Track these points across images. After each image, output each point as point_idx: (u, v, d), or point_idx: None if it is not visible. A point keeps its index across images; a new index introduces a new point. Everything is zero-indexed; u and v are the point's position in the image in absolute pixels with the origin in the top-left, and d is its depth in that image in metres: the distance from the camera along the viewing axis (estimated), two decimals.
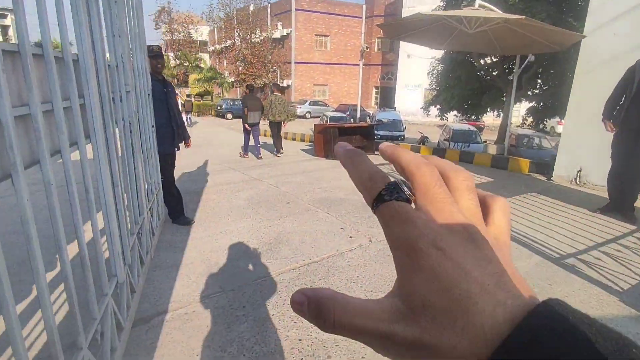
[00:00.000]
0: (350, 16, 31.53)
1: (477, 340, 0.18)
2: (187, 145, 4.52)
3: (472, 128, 12.69)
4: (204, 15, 25.06)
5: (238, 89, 30.41)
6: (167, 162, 4.08)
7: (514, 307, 0.18)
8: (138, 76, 3.22)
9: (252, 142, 8.67)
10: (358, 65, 12.02)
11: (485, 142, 12.68)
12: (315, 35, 29.93)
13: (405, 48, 26.21)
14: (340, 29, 31.22)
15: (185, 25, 35.79)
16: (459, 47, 8.91)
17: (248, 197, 5.43)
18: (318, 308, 0.21)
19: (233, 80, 27.56)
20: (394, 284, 0.22)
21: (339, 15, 30.89)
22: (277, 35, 27.93)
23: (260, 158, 8.55)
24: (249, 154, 8.82)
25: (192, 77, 31.07)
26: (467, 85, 13.24)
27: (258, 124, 8.52)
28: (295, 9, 28.36)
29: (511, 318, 0.18)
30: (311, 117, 26.69)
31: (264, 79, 25.41)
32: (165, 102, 3.96)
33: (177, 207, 4.19)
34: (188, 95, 31.76)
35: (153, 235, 3.53)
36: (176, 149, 4.27)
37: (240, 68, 24.91)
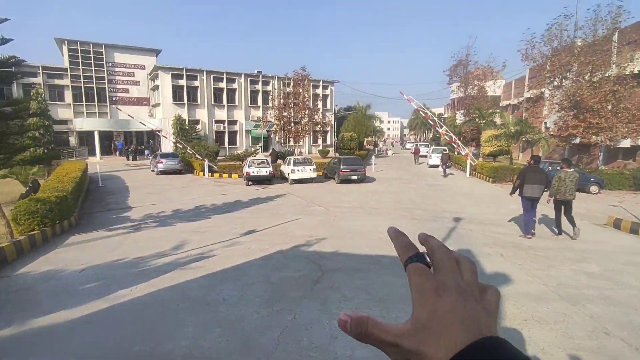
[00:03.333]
0: None
1: (449, 352, 0.31)
2: None
3: None
4: (522, 51, 19.10)
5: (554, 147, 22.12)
6: None
7: (473, 337, 0.31)
8: None
9: None
10: None
11: None
12: None
13: None
14: None
15: (482, 78, 31.21)
16: None
17: None
18: (357, 324, 0.35)
19: (551, 134, 19.65)
20: (410, 316, 0.35)
21: None
22: (635, 68, 18.05)
23: (530, 237, 7.99)
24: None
25: (487, 133, 25.45)
26: None
27: (538, 198, 7.97)
28: None
29: (468, 342, 0.31)
30: None
31: (613, 133, 16.26)
32: None
33: None
34: (476, 154, 26.26)
35: None
36: None
37: (570, 117, 16.97)
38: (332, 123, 44.58)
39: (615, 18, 16.59)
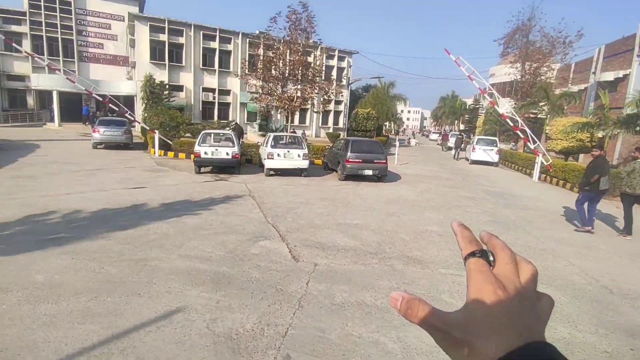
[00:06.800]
0: None
1: (499, 350, 0.31)
2: None
3: None
4: None
5: None
6: None
7: (524, 340, 0.32)
8: None
9: None
10: None
11: None
12: None
13: None
14: None
15: (549, 50, 23.28)
16: None
17: None
18: (409, 304, 0.36)
19: None
20: (462, 307, 0.35)
21: None
22: None
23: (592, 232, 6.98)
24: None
25: (561, 122, 17.86)
26: None
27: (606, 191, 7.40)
28: None
29: (519, 345, 0.32)
30: None
31: None
32: None
33: None
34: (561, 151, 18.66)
35: None
36: None
37: None
38: (347, 102, 37.21)
39: None
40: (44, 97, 30.28)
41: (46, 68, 23.71)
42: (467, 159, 21.23)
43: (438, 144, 37.82)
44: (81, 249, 4.51)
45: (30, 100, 30.76)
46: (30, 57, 23.08)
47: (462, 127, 54.68)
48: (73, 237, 4.99)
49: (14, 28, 29.25)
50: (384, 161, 11.57)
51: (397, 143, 18.89)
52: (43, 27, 29.54)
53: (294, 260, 4.53)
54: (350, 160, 11.24)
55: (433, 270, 4.48)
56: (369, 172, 11.40)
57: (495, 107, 16.72)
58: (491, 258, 0.38)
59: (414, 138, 42.69)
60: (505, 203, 9.73)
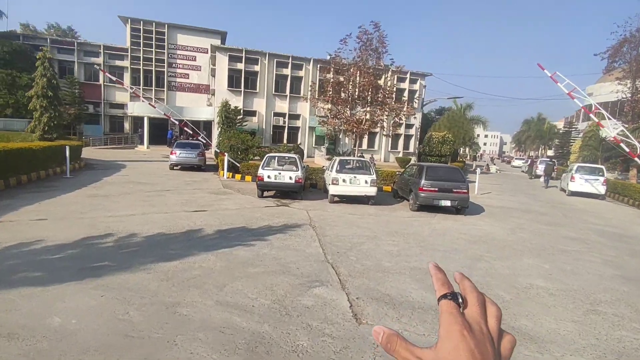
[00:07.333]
0: None
1: None
2: None
3: None
4: None
5: None
6: None
7: None
8: None
9: None
10: None
11: None
12: None
13: None
14: None
15: None
16: None
17: None
18: (388, 339, 0.41)
19: None
20: (434, 344, 0.40)
21: None
22: None
23: None
24: None
25: None
26: None
27: None
28: None
29: None
30: None
31: None
32: None
33: None
34: None
35: None
36: None
37: None
38: (418, 126, 35.48)
39: None
40: (137, 122, 33.74)
41: (141, 96, 26.60)
42: (563, 190, 18.25)
43: (523, 171, 33.94)
44: (117, 284, 4.02)
45: (127, 125, 34.49)
46: (127, 86, 25.94)
47: (550, 152, 48.94)
48: (115, 267, 4.58)
49: (117, 63, 33.41)
50: (465, 191, 10.02)
51: (478, 170, 16.91)
52: (141, 62, 33.31)
53: (355, 321, 3.50)
54: (424, 188, 9.93)
55: (557, 358, 3.09)
56: (447, 203, 9.93)
57: (605, 129, 14.05)
58: (460, 300, 0.42)
59: (494, 164, 38.96)
60: (631, 249, 7.57)
